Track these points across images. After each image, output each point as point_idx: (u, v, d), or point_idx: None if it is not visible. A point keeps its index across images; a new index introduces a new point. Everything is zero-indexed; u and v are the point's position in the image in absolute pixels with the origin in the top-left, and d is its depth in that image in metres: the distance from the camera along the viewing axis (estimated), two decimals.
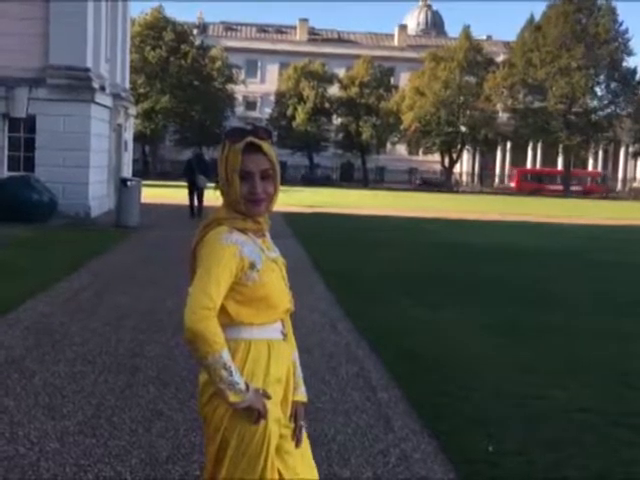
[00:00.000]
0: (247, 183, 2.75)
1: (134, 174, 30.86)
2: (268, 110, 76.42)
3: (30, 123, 21.75)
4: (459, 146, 73.11)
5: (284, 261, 2.99)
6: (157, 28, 65.16)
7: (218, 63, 68.57)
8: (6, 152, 22.03)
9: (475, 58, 71.22)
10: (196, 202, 24.21)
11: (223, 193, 2.82)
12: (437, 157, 75.71)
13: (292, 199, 39.00)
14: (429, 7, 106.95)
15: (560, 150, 73.67)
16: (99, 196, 23.26)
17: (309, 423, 5.51)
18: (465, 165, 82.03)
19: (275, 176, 2.81)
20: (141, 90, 61.89)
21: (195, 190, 24.18)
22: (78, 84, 21.62)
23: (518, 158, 78.76)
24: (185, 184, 25.26)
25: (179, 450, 4.96)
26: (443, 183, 72.25)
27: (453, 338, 8.65)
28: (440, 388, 6.58)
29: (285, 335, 2.95)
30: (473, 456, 5.08)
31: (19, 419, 5.37)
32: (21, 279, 11.19)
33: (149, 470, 4.60)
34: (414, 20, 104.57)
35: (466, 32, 73.04)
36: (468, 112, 70.55)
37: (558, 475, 4.85)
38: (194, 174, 24.11)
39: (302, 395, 2.99)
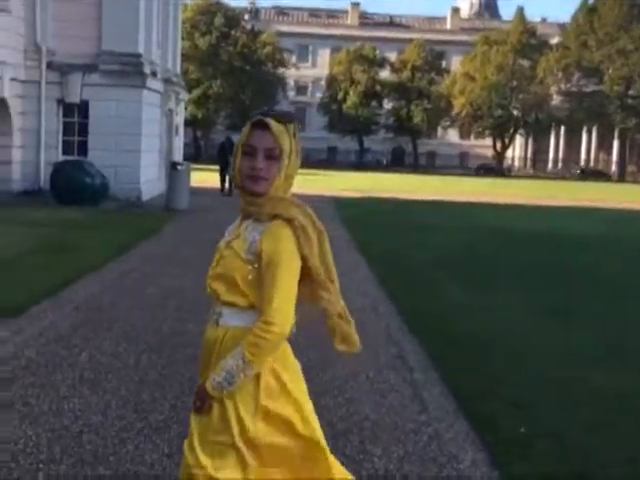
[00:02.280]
0: (250, 158, 2.75)
1: (185, 158, 31.22)
2: (319, 94, 76.43)
3: (84, 108, 22.15)
4: (511, 130, 72.26)
5: (234, 246, 2.80)
6: (208, 13, 65.53)
7: (269, 48, 68.75)
8: (61, 137, 22.47)
9: (528, 41, 70.20)
10: (227, 184, 25.91)
11: None
12: (489, 141, 74.94)
13: (341, 184, 39.09)
14: None
15: (616, 134, 72.37)
16: (150, 180, 23.61)
17: (345, 401, 5.64)
18: (518, 150, 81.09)
19: (281, 158, 2.77)
20: (193, 76, 62.39)
21: (227, 173, 25.33)
22: (130, 70, 21.93)
23: (572, 142, 77.57)
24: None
25: None
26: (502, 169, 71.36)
27: (496, 321, 8.67)
28: (479, 370, 6.63)
29: (214, 319, 2.85)
30: (506, 437, 5.12)
31: (65, 393, 5.57)
32: (73, 260, 11.48)
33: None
34: (467, 3, 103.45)
35: (520, 14, 72.02)
36: (521, 96, 69.66)
37: (591, 458, 4.87)
38: (225, 157, 25.54)
39: (208, 382, 2.72)
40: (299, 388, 2.88)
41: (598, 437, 5.20)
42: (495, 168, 72.06)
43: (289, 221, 2.72)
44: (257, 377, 2.72)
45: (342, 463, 4.47)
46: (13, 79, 21.18)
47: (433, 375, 6.48)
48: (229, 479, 2.67)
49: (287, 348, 2.89)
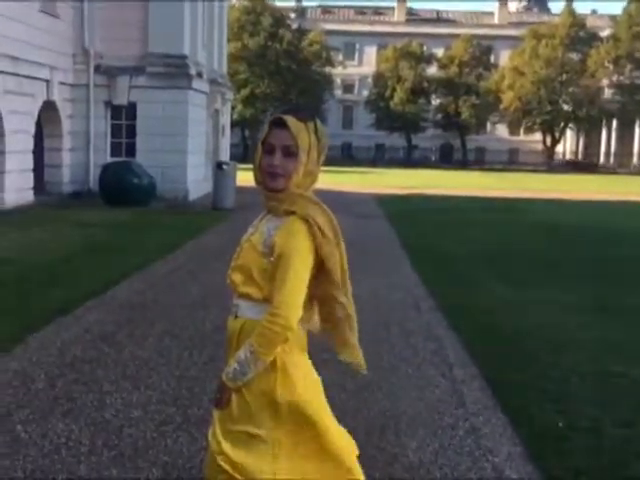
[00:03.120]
0: (269, 156, 2.83)
1: (233, 158, 31.47)
2: (366, 92, 76.30)
3: (131, 110, 22.48)
4: (561, 125, 71.29)
5: (253, 239, 2.91)
6: (255, 14, 65.86)
7: (316, 46, 68.86)
8: (109, 138, 22.85)
9: (578, 34, 69.16)
10: None
11: None
12: (538, 136, 74.06)
13: (388, 181, 39.03)
14: None
15: None
16: (197, 180, 23.87)
17: (383, 396, 5.67)
18: (569, 144, 79.97)
19: (298, 155, 2.81)
20: (241, 76, 62.78)
21: None
22: (176, 71, 22.19)
23: (624, 136, 76.22)
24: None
25: None
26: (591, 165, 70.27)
27: (537, 317, 8.61)
28: (518, 366, 6.60)
29: (234, 312, 2.92)
30: (543, 431, 5.11)
31: (108, 389, 5.70)
32: (120, 259, 11.68)
33: None
34: None
35: (569, 7, 70.99)
36: (571, 89, 68.65)
37: (628, 452, 4.84)
38: None
39: (223, 374, 2.82)
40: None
41: (635, 432, 5.16)
42: (582, 163, 70.91)
43: (304, 219, 2.77)
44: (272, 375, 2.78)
45: (377, 456, 4.53)
46: (62, 83, 21.59)
47: (472, 370, 6.47)
48: (254, 464, 2.74)
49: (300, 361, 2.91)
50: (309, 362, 2.97)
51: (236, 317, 2.89)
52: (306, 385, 2.87)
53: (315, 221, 2.79)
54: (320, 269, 2.83)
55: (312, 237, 2.78)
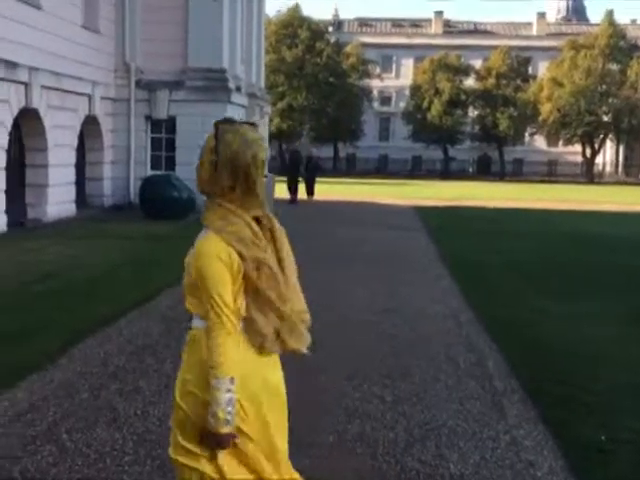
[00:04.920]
0: None
1: (270, 170, 31.62)
2: (403, 104, 76.22)
3: (171, 124, 22.75)
4: (601, 136, 70.53)
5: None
6: (293, 27, 66.26)
7: (353, 59, 69.05)
8: (149, 152, 23.14)
9: (618, 44, 68.47)
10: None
11: None
12: (578, 148, 73.34)
13: (425, 193, 38.92)
14: None
15: None
16: None
17: (423, 408, 5.67)
18: (608, 155, 79.05)
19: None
20: (279, 89, 63.13)
21: (295, 183, 28.59)
22: (215, 85, 22.43)
23: None
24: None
25: (294, 431, 5.18)
26: None
27: (576, 329, 8.55)
28: (559, 378, 6.56)
29: (188, 325, 3.04)
30: (585, 444, 5.09)
31: (150, 399, 5.77)
32: (160, 271, 11.80)
33: None
34: (554, 8, 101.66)
35: (609, 17, 70.34)
36: (610, 100, 67.92)
37: None
38: (295, 168, 29.00)
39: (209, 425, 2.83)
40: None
41: None
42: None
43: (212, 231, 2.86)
44: None
45: (417, 468, 4.54)
46: (104, 97, 21.92)
47: (513, 383, 6.45)
48: None
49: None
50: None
51: (189, 329, 2.96)
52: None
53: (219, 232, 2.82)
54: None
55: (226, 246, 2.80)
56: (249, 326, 2.87)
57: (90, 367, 6.58)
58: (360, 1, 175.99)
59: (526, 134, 74.59)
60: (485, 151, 75.67)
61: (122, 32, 22.66)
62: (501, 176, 69.31)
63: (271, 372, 2.98)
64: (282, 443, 3.04)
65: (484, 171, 74.96)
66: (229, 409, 2.75)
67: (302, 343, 3.04)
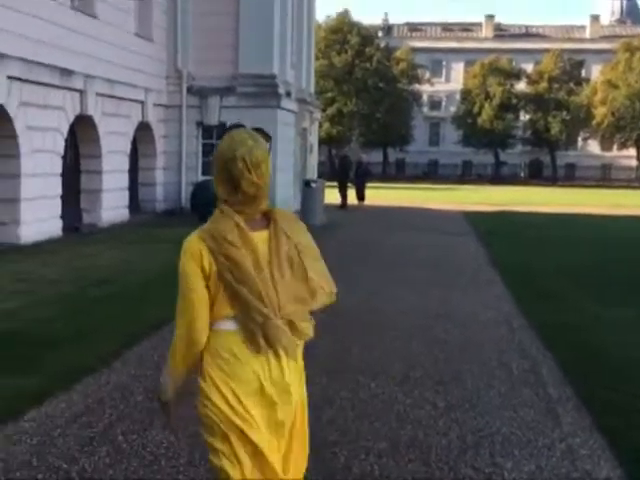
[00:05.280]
0: None
1: (320, 176, 31.74)
2: (453, 109, 75.81)
3: (221, 130, 22.92)
4: None
5: None
6: (342, 32, 66.37)
7: (403, 64, 68.89)
8: (200, 157, 23.39)
9: None
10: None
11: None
12: (632, 152, 72.10)
13: (476, 198, 38.63)
14: None
15: None
16: (285, 197, 24.12)
17: (476, 415, 5.62)
18: None
19: None
20: (329, 94, 63.27)
21: (345, 189, 28.70)
22: (265, 91, 22.58)
23: None
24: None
25: (346, 436, 5.21)
26: None
27: (629, 334, 8.42)
28: (614, 385, 6.46)
29: None
30: None
31: None
32: None
33: (316, 453, 4.87)
34: (608, 10, 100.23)
35: None
36: None
37: None
38: (345, 174, 29.12)
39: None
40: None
41: None
42: None
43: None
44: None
45: (471, 475, 4.50)
46: (156, 104, 22.22)
47: (567, 390, 6.36)
48: None
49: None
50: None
51: None
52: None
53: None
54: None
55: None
56: (239, 324, 2.90)
57: (144, 370, 6.67)
58: (410, 6, 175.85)
59: (579, 138, 73.62)
60: (537, 155, 74.89)
61: (174, 39, 22.96)
62: (553, 181, 68.46)
63: (276, 372, 2.91)
64: (289, 444, 3.02)
65: (536, 176, 74.12)
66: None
67: (283, 344, 2.91)
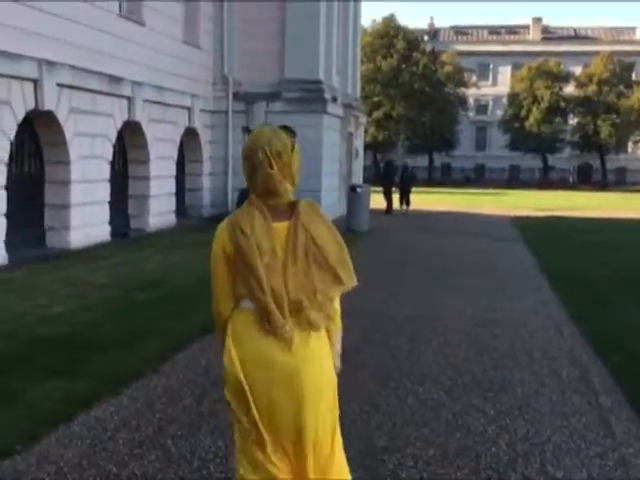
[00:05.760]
0: None
1: (366, 180, 31.70)
2: (500, 112, 75.20)
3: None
4: None
5: None
6: (388, 37, 66.28)
7: (449, 68, 68.55)
8: None
9: None
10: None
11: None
12: None
13: (524, 202, 38.26)
14: None
15: None
16: (331, 202, 24.15)
17: (525, 422, 5.53)
18: None
19: None
20: (375, 99, 63.21)
21: (390, 194, 28.32)
22: (311, 96, 22.60)
23: None
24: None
25: (394, 442, 5.17)
26: None
27: None
28: None
29: None
30: None
31: None
32: None
33: (365, 458, 4.84)
34: None
35: None
36: None
37: None
38: (390, 179, 28.77)
39: None
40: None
41: None
42: None
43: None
44: None
45: None
46: (202, 110, 22.40)
47: (620, 398, 6.24)
48: None
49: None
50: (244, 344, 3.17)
51: None
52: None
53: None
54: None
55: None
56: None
57: (192, 374, 6.70)
58: (456, 9, 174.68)
59: (629, 142, 72.51)
60: (586, 160, 73.89)
61: (220, 45, 23.12)
62: (603, 185, 67.48)
63: (280, 353, 3.11)
64: (297, 421, 3.16)
65: (585, 180, 73.17)
66: None
67: (282, 331, 3.11)
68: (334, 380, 3.33)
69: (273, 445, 3.18)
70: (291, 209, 3.19)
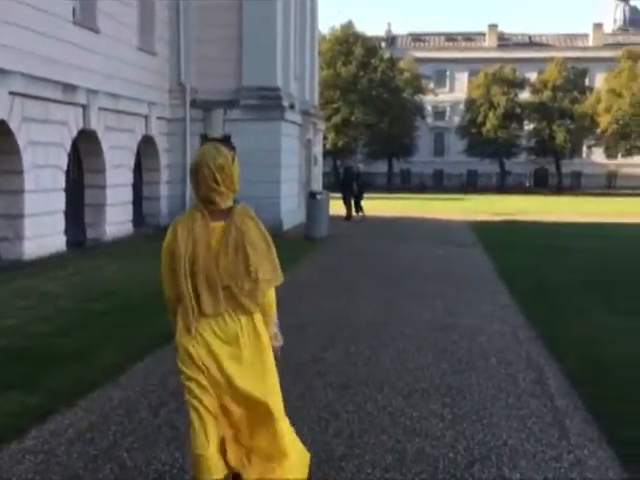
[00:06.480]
0: None
1: (325, 187, 31.72)
2: (457, 118, 75.87)
3: (226, 142, 22.94)
4: None
5: None
6: (347, 43, 66.50)
7: (407, 75, 68.97)
8: None
9: None
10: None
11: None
12: (638, 160, 71.96)
13: (481, 207, 38.57)
14: (626, 2, 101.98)
15: None
16: (290, 209, 24.12)
17: (483, 427, 5.56)
18: None
19: None
20: (334, 105, 63.38)
21: (349, 200, 28.50)
22: (269, 103, 22.56)
23: None
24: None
25: (352, 449, 5.16)
26: None
27: (638, 345, 8.34)
28: (623, 396, 6.41)
29: None
30: None
31: None
32: None
33: (324, 466, 4.83)
34: (610, 17, 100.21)
35: None
36: None
37: None
38: (348, 184, 28.81)
39: None
40: None
41: None
42: None
43: None
44: None
45: None
46: (159, 118, 22.24)
47: (575, 401, 6.31)
48: None
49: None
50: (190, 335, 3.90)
51: None
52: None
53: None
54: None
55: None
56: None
57: (149, 385, 6.63)
58: (413, 16, 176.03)
59: (584, 147, 73.59)
60: (542, 164, 74.83)
61: (177, 52, 22.99)
62: (559, 189, 68.38)
63: (217, 330, 3.87)
64: (242, 379, 3.87)
65: (541, 184, 74.11)
66: None
67: (210, 310, 3.86)
68: (265, 352, 3.96)
69: (213, 401, 3.86)
70: (229, 212, 3.87)
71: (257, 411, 3.90)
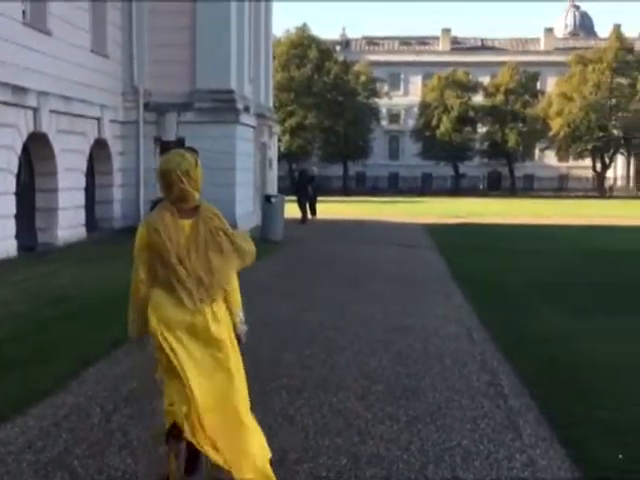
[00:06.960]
0: None
1: (281, 191, 31.67)
2: (412, 122, 76.39)
3: (180, 146, 22.74)
4: (612, 150, 70.36)
5: None
6: (302, 46, 66.56)
7: (362, 78, 69.25)
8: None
9: (626, 58, 68.40)
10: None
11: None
12: (588, 162, 73.19)
13: (436, 210, 38.88)
14: (577, 8, 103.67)
15: None
16: (246, 213, 24.04)
17: (436, 428, 5.59)
18: (620, 169, 78.70)
19: None
20: (288, 108, 63.38)
21: (303, 203, 28.96)
22: (223, 106, 22.47)
23: None
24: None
25: (307, 452, 5.15)
26: None
27: (592, 346, 8.45)
28: (575, 396, 6.49)
29: None
30: (603, 464, 5.00)
31: (162, 422, 5.70)
32: None
33: (278, 469, 4.80)
34: (561, 22, 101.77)
35: (617, 32, 70.36)
36: (620, 114, 67.84)
37: None
38: (303, 188, 29.32)
39: None
40: None
41: None
42: None
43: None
44: None
45: None
46: (112, 120, 22.01)
47: (528, 402, 6.37)
48: None
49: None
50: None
51: None
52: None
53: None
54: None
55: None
56: (165, 282, 4.31)
57: (102, 391, 6.55)
58: (367, 20, 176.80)
59: (536, 150, 74.60)
60: (495, 167, 75.68)
61: (130, 55, 22.79)
62: (512, 192, 69.22)
63: (189, 315, 4.22)
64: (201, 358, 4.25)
65: (495, 187, 74.96)
66: None
67: (188, 298, 4.22)
68: (228, 334, 4.34)
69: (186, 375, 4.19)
70: (195, 210, 4.29)
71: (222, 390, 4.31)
